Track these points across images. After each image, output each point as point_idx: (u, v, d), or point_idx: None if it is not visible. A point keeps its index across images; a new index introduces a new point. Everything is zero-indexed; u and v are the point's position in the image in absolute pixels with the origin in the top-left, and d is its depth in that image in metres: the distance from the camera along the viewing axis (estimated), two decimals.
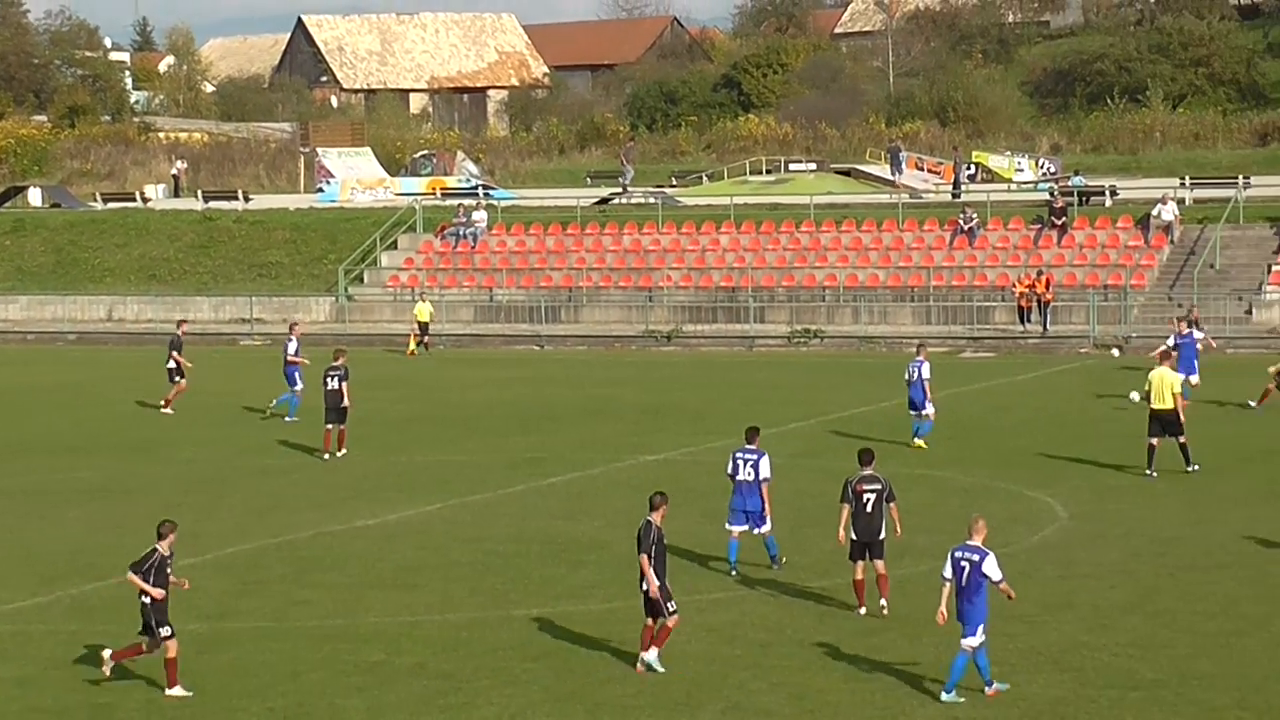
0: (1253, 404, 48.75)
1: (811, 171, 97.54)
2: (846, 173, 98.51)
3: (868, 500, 27.57)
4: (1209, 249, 71.27)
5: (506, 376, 61.48)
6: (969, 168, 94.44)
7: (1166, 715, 22.74)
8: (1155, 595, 28.60)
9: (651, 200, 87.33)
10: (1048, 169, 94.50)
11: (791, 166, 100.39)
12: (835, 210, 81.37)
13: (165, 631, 24.14)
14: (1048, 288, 69.13)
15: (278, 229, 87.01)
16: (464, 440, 47.12)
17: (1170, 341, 48.89)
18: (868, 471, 27.90)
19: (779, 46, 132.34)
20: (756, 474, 30.49)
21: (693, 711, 23.50)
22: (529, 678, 24.98)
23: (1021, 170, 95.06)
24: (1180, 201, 75.65)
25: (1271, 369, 48.58)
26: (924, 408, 43.73)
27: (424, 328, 69.67)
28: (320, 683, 24.79)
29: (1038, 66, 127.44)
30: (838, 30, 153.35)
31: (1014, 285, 70.09)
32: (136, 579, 24.19)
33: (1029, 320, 69.17)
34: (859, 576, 27.66)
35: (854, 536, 27.68)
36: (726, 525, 31.01)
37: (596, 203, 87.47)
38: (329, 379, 44.34)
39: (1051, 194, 78.61)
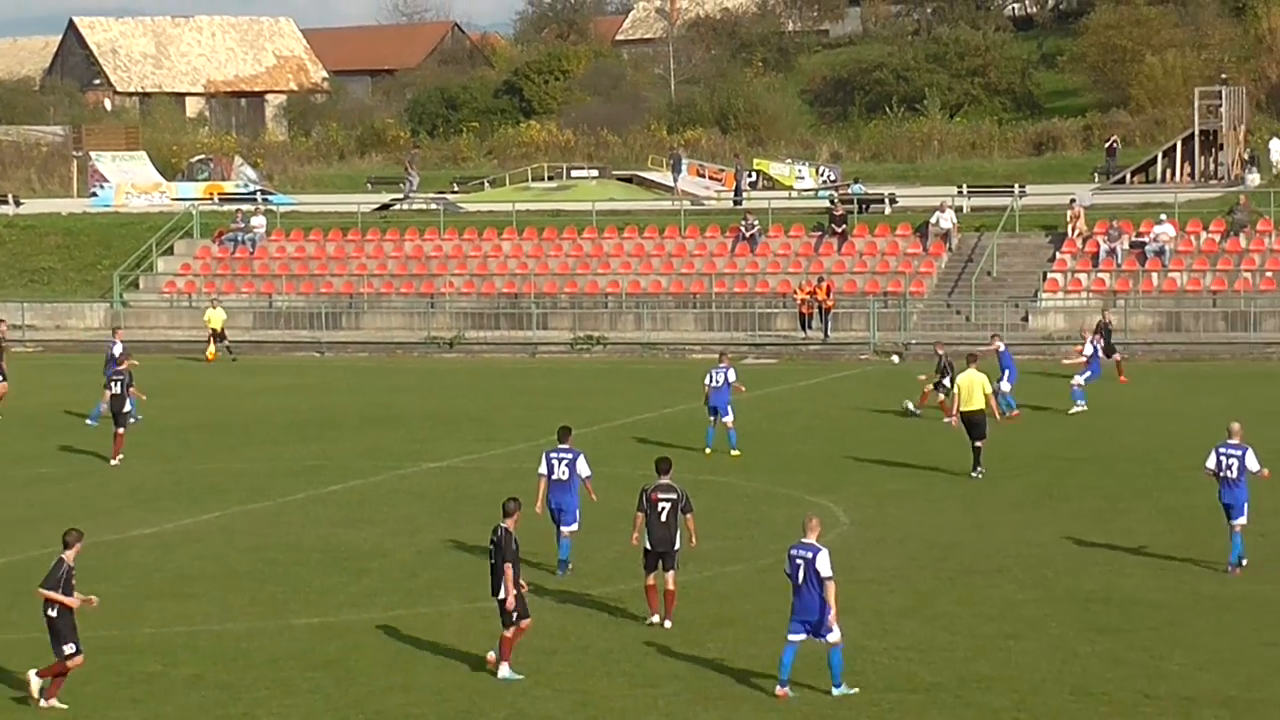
0: (909, 404, 49.80)
1: (593, 178, 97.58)
2: (628, 179, 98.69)
3: (663, 509, 27.45)
4: (986, 256, 72.30)
5: (286, 384, 60.79)
6: (750, 175, 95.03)
7: (946, 718, 22.93)
8: (934, 599, 28.87)
9: (433, 206, 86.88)
10: (828, 177, 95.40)
11: (573, 173, 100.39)
12: (617, 217, 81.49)
13: (69, 649, 23.61)
14: (828, 295, 69.75)
15: (50, 234, 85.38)
16: (243, 448, 46.51)
17: (996, 346, 49.54)
18: (664, 480, 27.77)
19: (560, 53, 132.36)
20: (572, 472, 30.88)
21: (475, 719, 23.32)
22: (310, 687, 24.65)
23: (802, 178, 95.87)
24: (958, 209, 76.67)
25: (921, 377, 49.89)
26: (725, 414, 43.84)
27: (217, 334, 68.54)
28: (95, 695, 24.27)
29: (817, 75, 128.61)
30: (619, 37, 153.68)
31: (795, 292, 70.64)
32: (51, 593, 23.56)
33: (810, 327, 69.73)
34: (650, 583, 27.59)
35: (648, 545, 27.54)
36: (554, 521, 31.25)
37: (377, 208, 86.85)
38: (112, 384, 43.87)
39: (832, 201, 79.33)
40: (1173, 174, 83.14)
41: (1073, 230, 72.29)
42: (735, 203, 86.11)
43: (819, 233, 76.52)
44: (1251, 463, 30.39)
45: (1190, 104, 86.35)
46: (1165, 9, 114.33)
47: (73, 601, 23.68)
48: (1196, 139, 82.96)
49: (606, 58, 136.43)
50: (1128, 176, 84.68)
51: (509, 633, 25.03)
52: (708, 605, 28.71)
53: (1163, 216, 71.20)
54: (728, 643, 26.39)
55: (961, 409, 39.80)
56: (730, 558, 32.16)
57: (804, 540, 24.13)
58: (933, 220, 74.53)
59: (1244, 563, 30.42)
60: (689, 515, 27.67)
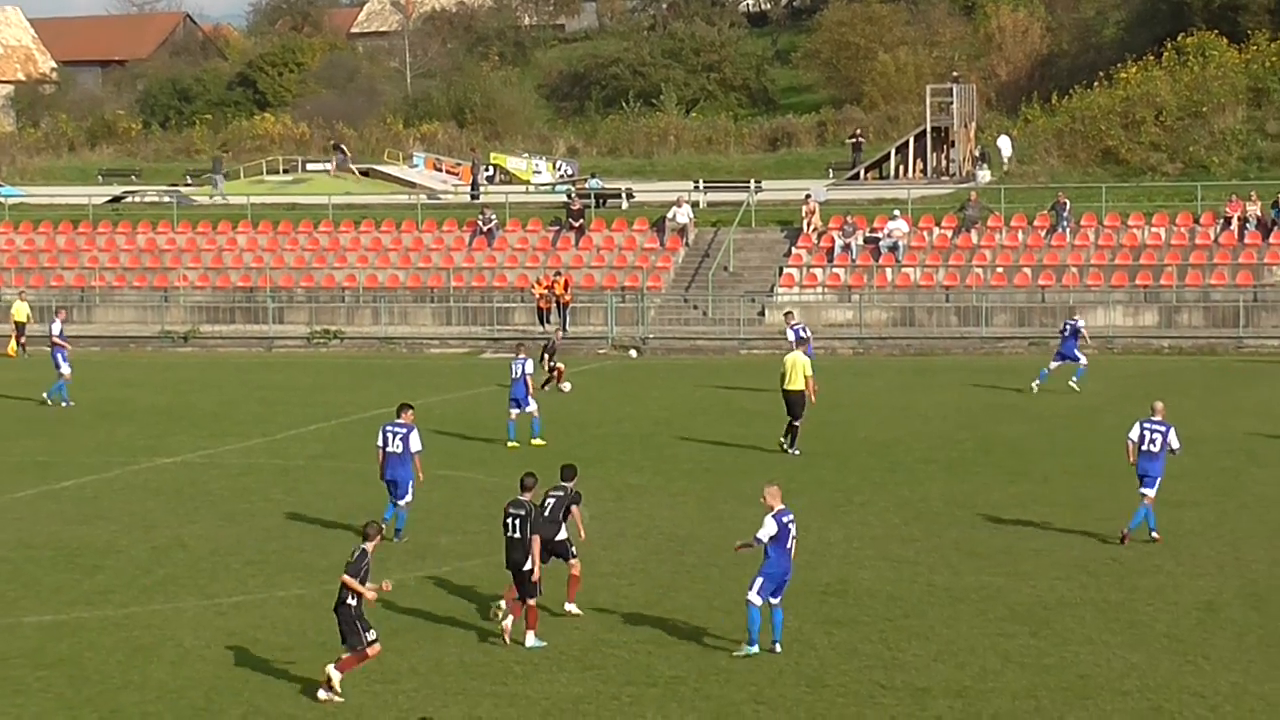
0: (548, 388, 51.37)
1: (329, 171, 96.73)
2: (365, 173, 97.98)
3: (547, 506, 27.12)
4: (723, 251, 72.85)
5: (15, 378, 59.34)
6: (487, 169, 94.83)
7: (685, 710, 22.97)
8: (673, 592, 28.94)
9: (166, 199, 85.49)
10: (565, 171, 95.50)
11: (309, 166, 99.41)
12: (354, 210, 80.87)
13: (371, 635, 23.58)
14: (566, 289, 69.84)
15: None
16: None
17: (792, 336, 49.84)
18: (567, 483, 27.56)
19: (294, 45, 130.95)
20: (405, 446, 32.09)
21: (213, 716, 22.93)
22: (41, 686, 24.06)
23: (539, 172, 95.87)
24: (695, 205, 77.21)
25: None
26: (526, 405, 43.63)
27: (20, 327, 66.60)
28: None
29: (554, 69, 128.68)
30: (354, 30, 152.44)
31: (533, 286, 70.61)
32: (352, 581, 23.44)
33: (548, 321, 69.74)
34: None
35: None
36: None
37: (108, 201, 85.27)
38: None
39: (569, 196, 79.45)
40: (906, 170, 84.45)
41: (808, 225, 73.12)
42: (473, 197, 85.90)
43: (556, 227, 76.59)
44: (1173, 440, 31.71)
45: (922, 101, 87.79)
46: (896, 7, 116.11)
47: (369, 593, 23.51)
48: (929, 136, 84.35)
49: (342, 50, 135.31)
50: (862, 172, 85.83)
51: (533, 602, 25.66)
52: (447, 601, 28.51)
53: (896, 212, 72.31)
54: (467, 638, 26.22)
55: (783, 387, 41.66)
56: (470, 552, 31.97)
57: (782, 507, 25.64)
58: (670, 215, 74.95)
59: (1155, 536, 31.65)
60: (575, 507, 27.57)
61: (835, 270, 70.94)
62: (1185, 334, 65.15)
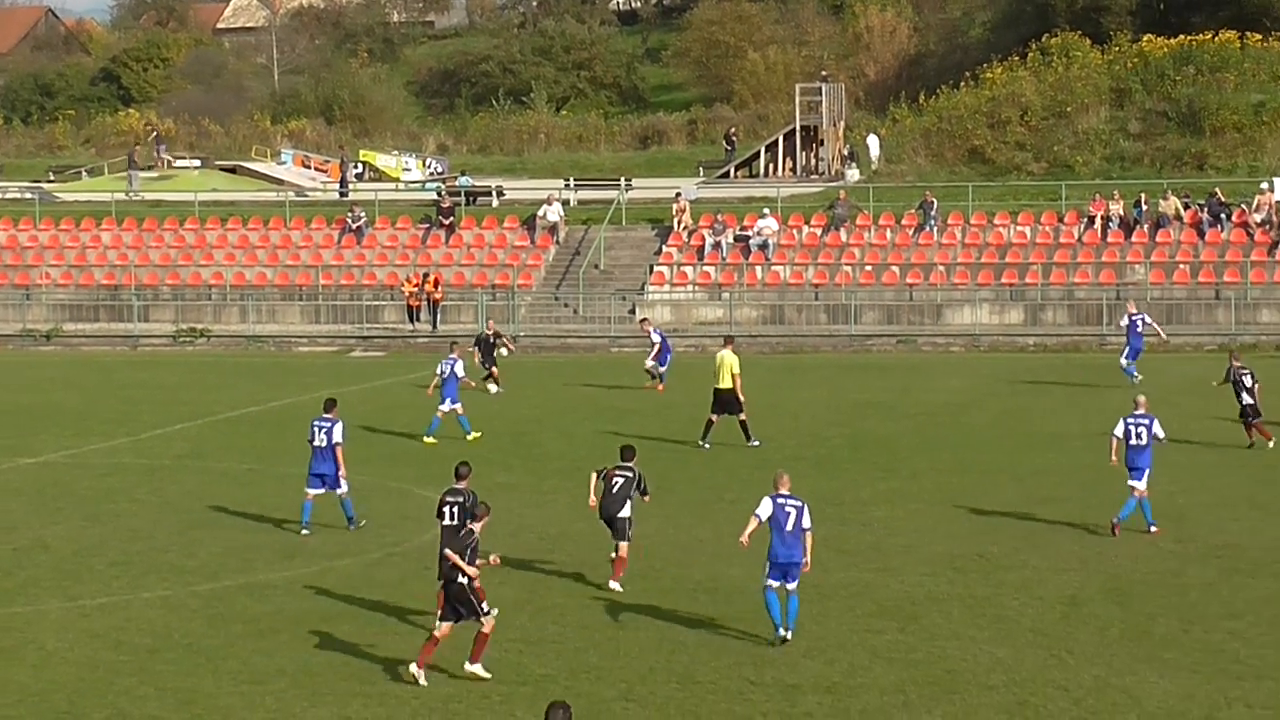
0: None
1: (196, 168, 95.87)
2: (232, 169, 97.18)
3: (615, 484, 29.11)
4: (594, 249, 72.87)
5: None
6: (356, 166, 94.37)
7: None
8: (544, 591, 28.90)
9: (28, 195, 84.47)
10: (435, 169, 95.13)
11: (175, 163, 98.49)
12: (221, 208, 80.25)
13: (488, 608, 23.96)
14: (436, 287, 69.62)
15: None
16: None
17: (658, 339, 50.03)
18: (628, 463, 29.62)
19: (159, 40, 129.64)
20: (330, 440, 33.05)
21: (76, 719, 22.68)
22: None
23: (409, 170, 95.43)
24: (565, 202, 77.17)
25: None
26: (456, 403, 43.40)
27: None
28: None
29: (423, 66, 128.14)
30: (220, 25, 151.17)
31: (403, 284, 70.33)
32: (457, 558, 23.80)
33: (419, 319, 69.50)
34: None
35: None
36: (306, 489, 33.29)
37: None
38: None
39: (439, 194, 79.19)
40: (775, 169, 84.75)
41: (678, 223, 73.27)
42: (341, 194, 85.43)
43: (426, 225, 76.35)
44: (1158, 430, 32.24)
45: (791, 100, 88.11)
46: (766, 6, 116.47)
47: (474, 571, 23.84)
48: (798, 134, 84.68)
49: (208, 46, 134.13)
50: (732, 171, 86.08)
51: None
52: (316, 600, 28.34)
53: (766, 210, 72.58)
54: (336, 638, 26.06)
55: (715, 386, 42.43)
56: (339, 552, 31.81)
57: (784, 492, 26.00)
58: (540, 213, 74.89)
59: (1154, 529, 32.22)
60: (643, 496, 29.42)
61: (706, 268, 71.12)
62: (1050, 332, 65.81)
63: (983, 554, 31.13)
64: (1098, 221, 70.01)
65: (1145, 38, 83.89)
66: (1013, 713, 22.50)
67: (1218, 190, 70.28)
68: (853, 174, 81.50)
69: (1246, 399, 41.22)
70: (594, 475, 29.40)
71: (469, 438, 43.56)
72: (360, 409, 49.11)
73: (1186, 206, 70.23)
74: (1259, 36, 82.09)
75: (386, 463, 41.32)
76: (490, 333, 52.87)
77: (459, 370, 44.13)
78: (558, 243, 74.46)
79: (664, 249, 72.66)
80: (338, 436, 33.24)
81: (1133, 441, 32.49)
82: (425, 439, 43.40)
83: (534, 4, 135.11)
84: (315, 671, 24.46)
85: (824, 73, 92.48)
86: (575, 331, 68.50)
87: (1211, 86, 79.39)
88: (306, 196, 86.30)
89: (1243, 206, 69.77)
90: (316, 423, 33.43)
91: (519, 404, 51.62)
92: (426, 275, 70.04)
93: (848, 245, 71.61)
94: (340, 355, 66.70)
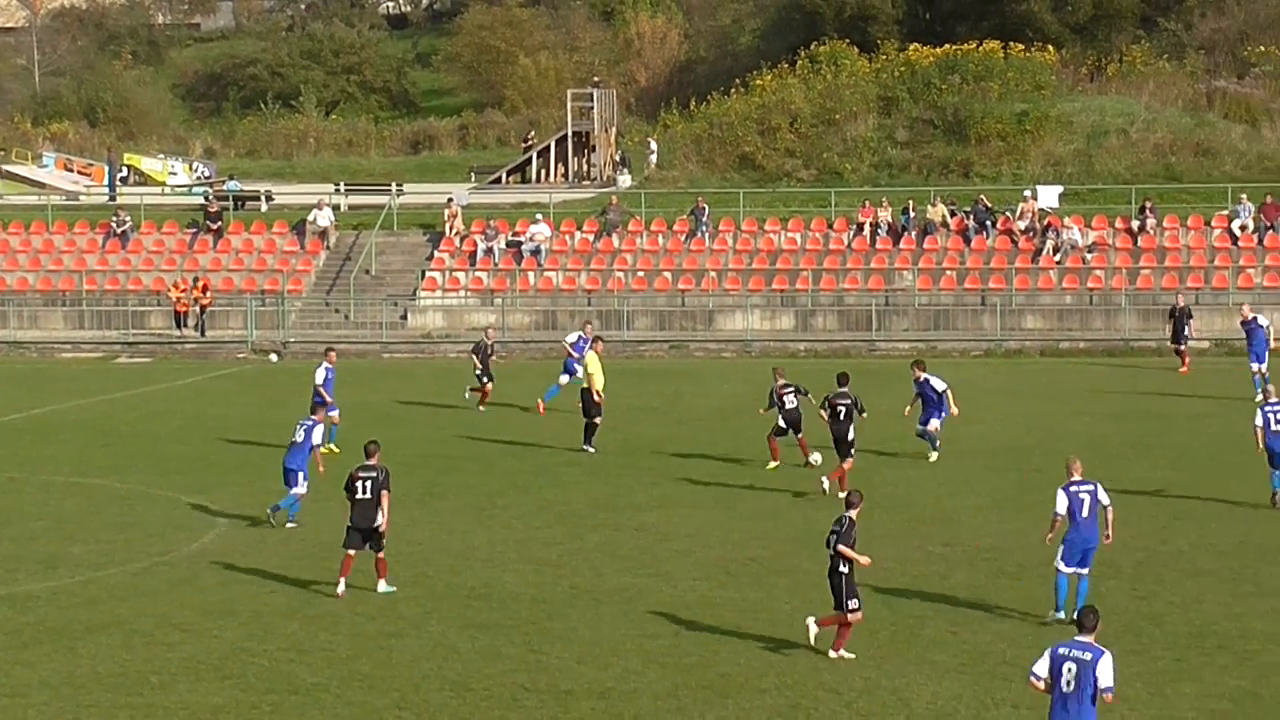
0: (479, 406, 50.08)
1: None
2: None
3: (840, 410, 34.92)
4: (365, 255, 72.38)
5: None
6: (122, 170, 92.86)
7: (327, 717, 22.68)
8: (315, 599, 28.59)
9: None
10: (202, 173, 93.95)
11: None
12: None
13: (854, 604, 24.77)
14: (204, 292, 68.73)
15: None
16: None
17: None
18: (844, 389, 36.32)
19: None
20: (307, 438, 34.19)
21: None
22: None
23: (175, 173, 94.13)
24: (336, 208, 76.56)
25: None
26: (332, 410, 42.37)
27: None
28: None
29: (189, 69, 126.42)
30: None
31: (170, 289, 69.34)
32: (848, 551, 24.63)
33: (186, 325, 68.57)
34: None
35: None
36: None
37: None
38: None
39: (206, 198, 78.21)
40: (548, 174, 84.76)
41: (450, 229, 73.00)
42: (109, 198, 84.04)
43: (194, 229, 75.36)
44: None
45: (563, 105, 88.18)
46: (537, 11, 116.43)
47: (864, 560, 24.84)
48: (570, 140, 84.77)
49: None
50: (503, 176, 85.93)
51: (382, 555, 28.79)
52: (80, 610, 27.79)
53: (538, 216, 72.57)
54: (101, 648, 25.57)
55: (582, 387, 43.29)
56: (104, 561, 31.25)
57: (1075, 479, 26.39)
58: (310, 218, 74.25)
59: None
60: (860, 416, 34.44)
61: (478, 274, 70.92)
62: (820, 337, 66.45)
63: (755, 558, 31.32)
64: (866, 228, 70.86)
65: (912, 47, 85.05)
66: (785, 716, 22.63)
67: (983, 197, 71.47)
68: (625, 179, 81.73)
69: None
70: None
71: (329, 448, 42.33)
72: (125, 416, 48.32)
73: (953, 213, 71.34)
74: (1021, 47, 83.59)
75: (153, 471, 40.68)
76: (490, 341, 50.81)
77: (331, 376, 43.14)
78: (328, 248, 73.84)
79: (436, 254, 72.35)
80: (317, 439, 34.46)
81: (1274, 427, 34.30)
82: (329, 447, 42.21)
83: (302, 7, 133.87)
84: (79, 683, 23.98)
85: (595, 78, 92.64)
86: (347, 337, 67.93)
87: (976, 95, 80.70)
88: (70, 200, 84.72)
89: (1007, 214, 71.01)
90: (302, 422, 34.74)
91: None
92: (195, 280, 69.12)
93: (620, 251, 71.79)
94: (105, 361, 65.58)
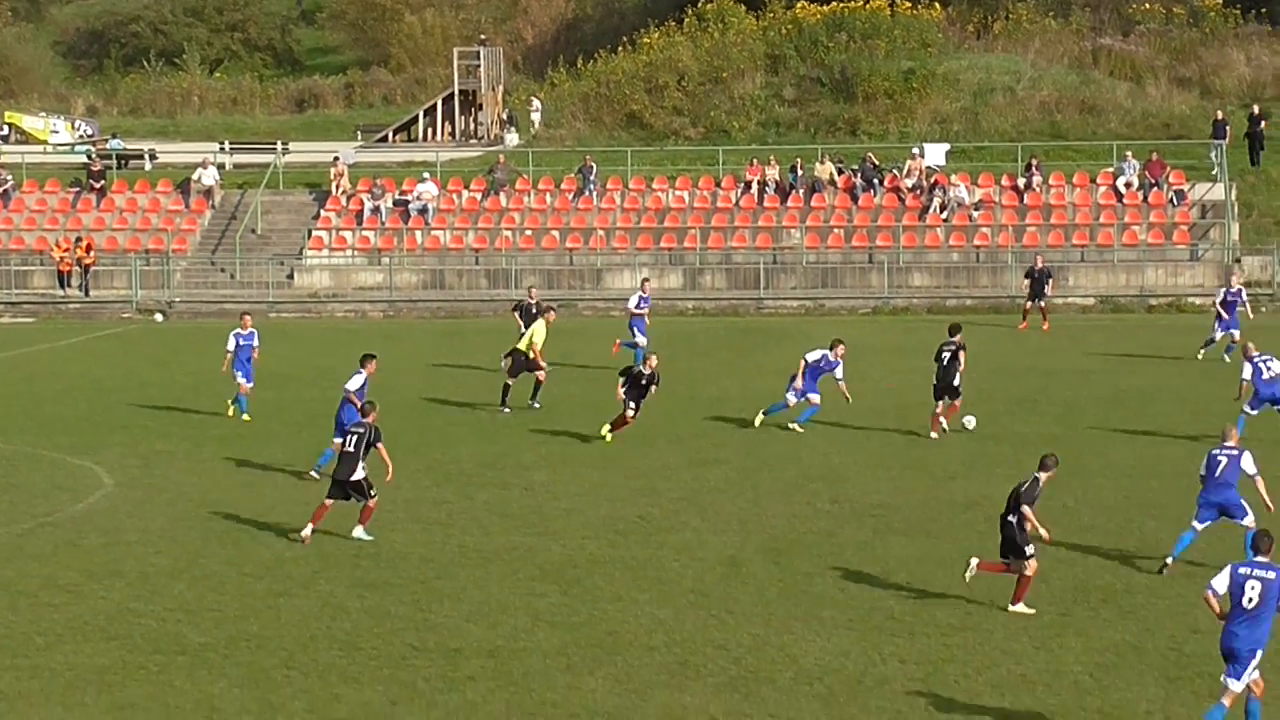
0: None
1: None
2: None
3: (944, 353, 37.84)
4: (250, 214, 71.84)
5: None
6: (2, 129, 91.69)
7: (215, 677, 22.53)
8: (202, 559, 28.41)
9: None
10: (84, 131, 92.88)
11: None
12: None
13: (1030, 550, 25.01)
14: (88, 252, 68.05)
15: None
16: None
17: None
18: (954, 338, 38.17)
19: None
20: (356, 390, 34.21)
21: None
22: None
23: (57, 132, 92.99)
24: (221, 166, 75.94)
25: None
26: (249, 380, 41.73)
27: None
28: None
29: (70, 26, 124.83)
30: None
31: (53, 249, 68.60)
32: (1029, 512, 24.82)
33: (69, 285, 67.87)
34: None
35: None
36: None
37: None
38: None
39: (89, 157, 77.41)
40: (434, 133, 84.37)
41: (337, 188, 72.57)
42: None
43: (76, 189, 74.57)
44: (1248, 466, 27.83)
45: (450, 64, 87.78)
46: None
47: (1044, 532, 25.23)
48: (456, 98, 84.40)
49: None
50: (390, 135, 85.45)
51: (372, 503, 29.49)
52: None
53: (425, 175, 72.26)
54: None
55: (517, 347, 43.15)
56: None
57: (1227, 444, 26.85)
58: (195, 177, 73.64)
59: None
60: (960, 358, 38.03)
61: (365, 233, 70.56)
62: (709, 296, 66.56)
63: (644, 516, 31.36)
64: (754, 186, 70.98)
65: (799, 5, 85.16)
66: (673, 673, 22.67)
67: (870, 155, 71.74)
68: (512, 138, 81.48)
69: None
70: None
71: (234, 412, 41.81)
72: (8, 377, 47.80)
73: (840, 172, 71.56)
74: (909, 5, 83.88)
75: (37, 432, 40.30)
76: (532, 301, 48.02)
77: (255, 341, 42.20)
78: (213, 207, 73.26)
79: (322, 214, 71.93)
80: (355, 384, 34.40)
81: (1265, 375, 35.65)
82: (238, 414, 41.75)
83: None
84: None
85: (482, 37, 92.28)
86: (232, 297, 67.46)
87: (863, 54, 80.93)
88: None
89: (895, 171, 71.29)
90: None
91: (175, 371, 50.70)
92: (78, 240, 68.41)
93: (507, 210, 71.59)
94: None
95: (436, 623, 24.84)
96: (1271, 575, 19.24)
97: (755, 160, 72.51)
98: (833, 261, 67.85)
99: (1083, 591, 26.22)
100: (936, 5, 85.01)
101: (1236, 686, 19.36)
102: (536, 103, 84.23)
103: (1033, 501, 25.08)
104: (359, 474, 29.40)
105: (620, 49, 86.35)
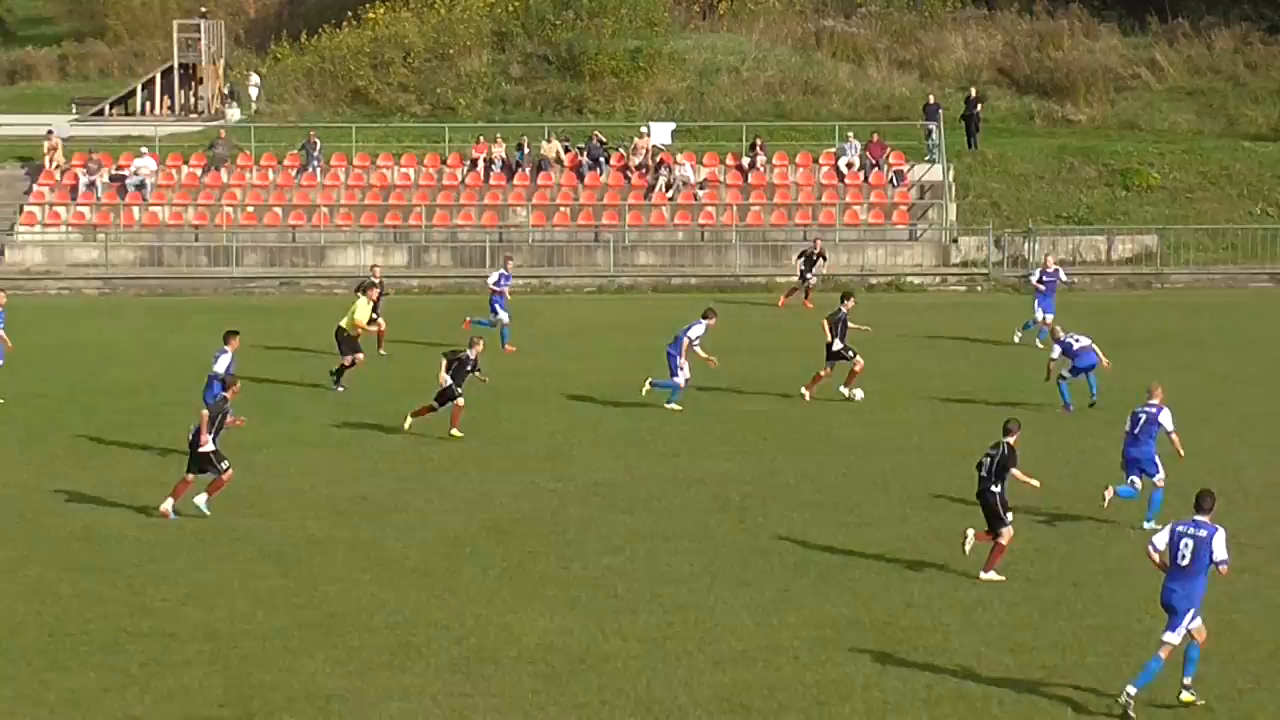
0: None
1: None
2: None
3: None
4: None
5: None
6: None
7: None
8: None
9: None
10: None
11: None
12: None
13: (1009, 518, 25.80)
14: None
15: None
16: None
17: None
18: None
19: None
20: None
21: None
22: None
23: None
24: None
25: None
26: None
27: None
28: None
29: None
30: None
31: None
32: (1020, 472, 25.81)
33: None
34: None
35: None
36: None
37: None
38: None
39: None
40: (153, 107, 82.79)
41: (50, 162, 70.87)
42: None
43: None
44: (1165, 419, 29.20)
45: (169, 36, 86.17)
46: None
47: (1036, 482, 26.67)
48: (176, 72, 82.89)
49: None
50: (106, 108, 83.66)
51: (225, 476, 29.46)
52: None
53: (143, 150, 70.82)
54: None
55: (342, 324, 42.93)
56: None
57: (1151, 402, 28.85)
58: None
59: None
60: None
61: (80, 209, 68.99)
62: (434, 273, 66.06)
63: (367, 496, 31.05)
64: (481, 164, 70.63)
65: None
66: (395, 653, 22.43)
67: (597, 134, 71.77)
68: (234, 113, 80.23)
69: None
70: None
71: None
72: None
73: (567, 150, 71.50)
74: None
75: None
76: (376, 280, 47.02)
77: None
78: None
79: (35, 188, 70.16)
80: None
81: (1076, 347, 37.76)
82: None
83: None
84: None
85: (203, 9, 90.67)
86: None
87: (590, 32, 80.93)
88: None
89: (621, 150, 71.40)
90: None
91: None
92: None
93: (228, 186, 70.46)
94: None
95: (152, 607, 24.33)
96: (1203, 533, 20.36)
97: (482, 138, 72.13)
98: (559, 240, 67.78)
99: (802, 567, 26.43)
100: None
101: (1174, 639, 20.34)
102: (256, 78, 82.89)
103: (1016, 464, 25.90)
104: (208, 446, 29.32)
105: (345, 24, 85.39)
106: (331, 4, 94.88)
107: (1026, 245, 65.09)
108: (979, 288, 61.90)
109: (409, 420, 36.56)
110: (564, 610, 24.23)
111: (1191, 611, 20.33)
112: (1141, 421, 28.86)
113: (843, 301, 41.33)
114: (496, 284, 50.13)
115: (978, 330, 51.05)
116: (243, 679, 21.52)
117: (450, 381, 36.13)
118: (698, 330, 39.98)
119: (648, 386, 39.58)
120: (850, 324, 40.82)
